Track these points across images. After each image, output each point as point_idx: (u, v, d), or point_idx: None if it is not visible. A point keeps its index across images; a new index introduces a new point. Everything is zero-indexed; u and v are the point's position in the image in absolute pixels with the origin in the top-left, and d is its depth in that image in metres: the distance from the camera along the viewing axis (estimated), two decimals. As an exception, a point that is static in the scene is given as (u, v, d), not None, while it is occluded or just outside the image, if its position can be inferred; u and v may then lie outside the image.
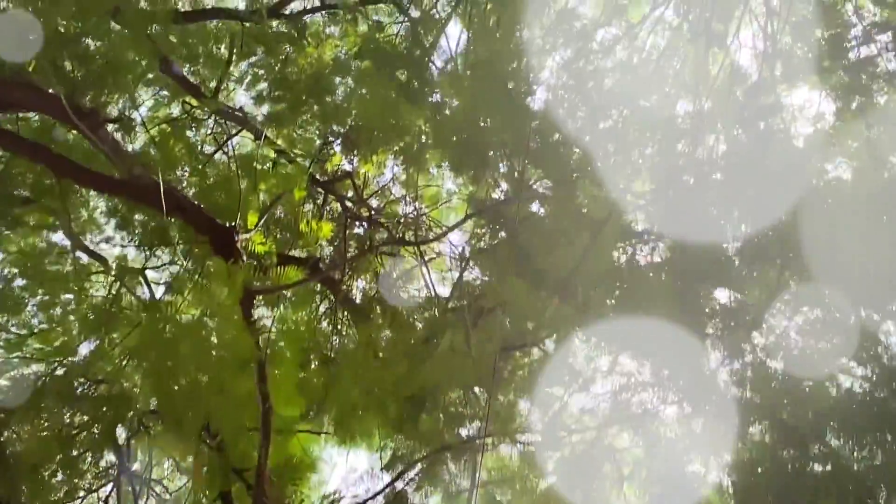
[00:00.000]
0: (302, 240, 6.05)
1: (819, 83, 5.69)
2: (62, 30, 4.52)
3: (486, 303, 5.41)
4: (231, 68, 7.51)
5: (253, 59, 7.59)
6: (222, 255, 5.01)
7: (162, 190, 4.36)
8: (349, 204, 8.62)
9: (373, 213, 8.50)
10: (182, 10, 7.31)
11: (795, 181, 5.56)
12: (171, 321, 4.64)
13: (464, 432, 6.02)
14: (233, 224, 5.23)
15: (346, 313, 6.59)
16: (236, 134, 8.28)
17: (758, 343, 4.92)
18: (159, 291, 8.96)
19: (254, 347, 4.88)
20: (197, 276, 5.64)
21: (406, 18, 7.75)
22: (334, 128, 7.04)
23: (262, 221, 5.57)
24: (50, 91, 4.33)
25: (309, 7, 7.89)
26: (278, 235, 6.46)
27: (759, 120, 5.71)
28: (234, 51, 7.34)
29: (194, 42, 7.18)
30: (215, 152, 8.75)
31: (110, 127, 5.96)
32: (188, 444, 4.75)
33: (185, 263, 5.84)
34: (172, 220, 5.30)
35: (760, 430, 4.33)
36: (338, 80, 7.19)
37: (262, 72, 7.52)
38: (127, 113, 7.15)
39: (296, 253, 6.71)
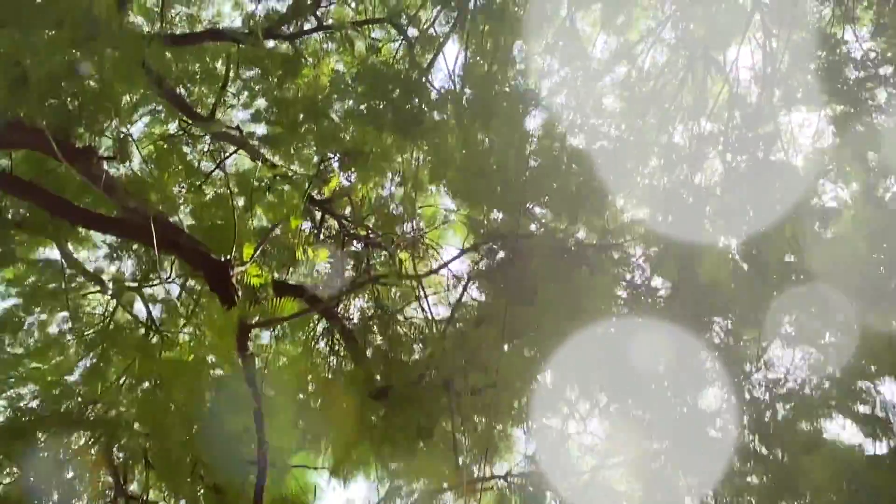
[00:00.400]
0: (298, 268, 6.00)
1: (817, 107, 5.64)
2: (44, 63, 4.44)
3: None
4: (228, 87, 7.46)
5: (248, 74, 7.53)
6: (217, 290, 4.96)
7: (154, 226, 4.30)
8: (347, 222, 8.59)
9: (370, 232, 8.46)
10: (177, 32, 7.25)
11: (794, 206, 5.53)
12: (163, 366, 4.59)
13: (461, 461, 5.97)
14: (228, 257, 5.18)
15: (342, 339, 6.55)
16: (233, 153, 8.24)
17: (757, 381, 4.88)
18: (156, 309, 8.97)
19: (249, 383, 4.83)
20: (192, 306, 5.59)
21: (403, 38, 7.70)
22: (331, 150, 6.97)
23: (258, 252, 5.51)
24: (40, 129, 4.27)
25: (305, 28, 7.82)
26: (274, 262, 6.40)
27: (757, 146, 5.67)
28: (230, 72, 7.29)
29: (189, 62, 7.13)
30: (212, 171, 8.71)
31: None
32: (181, 483, 4.70)
33: (179, 293, 5.79)
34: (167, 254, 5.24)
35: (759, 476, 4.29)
36: (335, 103, 7.12)
37: (258, 89, 7.46)
38: (121, 136, 7.13)
39: (294, 272, 6.66)
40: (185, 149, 8.99)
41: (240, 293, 5.04)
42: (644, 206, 6.46)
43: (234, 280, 5.01)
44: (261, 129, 9.23)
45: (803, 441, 4.18)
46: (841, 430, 4.44)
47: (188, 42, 7.19)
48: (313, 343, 6.37)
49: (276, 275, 6.15)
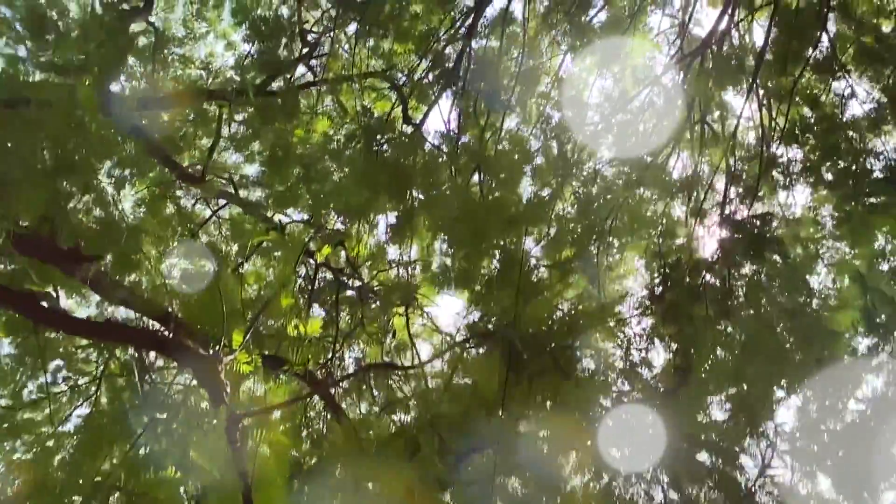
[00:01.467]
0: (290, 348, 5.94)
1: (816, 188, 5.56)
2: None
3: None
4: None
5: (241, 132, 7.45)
6: (206, 386, 4.90)
7: (139, 331, 4.22)
8: (341, 273, 8.54)
9: (364, 283, 8.41)
10: (167, 95, 7.15)
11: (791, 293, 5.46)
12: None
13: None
14: (217, 348, 5.11)
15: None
16: (225, 205, 8.17)
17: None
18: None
19: (241, 477, 4.78)
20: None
21: (397, 93, 7.60)
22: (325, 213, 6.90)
23: (248, 335, 5.44)
24: (21, 234, 4.20)
25: (299, 83, 7.71)
26: (265, 336, 6.33)
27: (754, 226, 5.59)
28: (221, 131, 7.20)
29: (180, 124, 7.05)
30: (207, 220, 8.64)
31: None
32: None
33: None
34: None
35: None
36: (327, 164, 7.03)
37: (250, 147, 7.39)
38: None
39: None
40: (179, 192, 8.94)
41: (228, 389, 4.97)
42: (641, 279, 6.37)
43: (222, 375, 4.93)
44: (254, 170, 9.23)
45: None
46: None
47: (178, 104, 7.07)
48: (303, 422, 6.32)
49: (265, 351, 6.07)
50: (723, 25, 7.23)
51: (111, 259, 6.22)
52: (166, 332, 5.22)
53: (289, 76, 7.55)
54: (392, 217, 7.75)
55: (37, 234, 4.38)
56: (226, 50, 9.89)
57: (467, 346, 5.98)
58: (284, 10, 9.11)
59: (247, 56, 8.30)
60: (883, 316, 4.60)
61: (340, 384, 6.36)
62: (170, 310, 5.53)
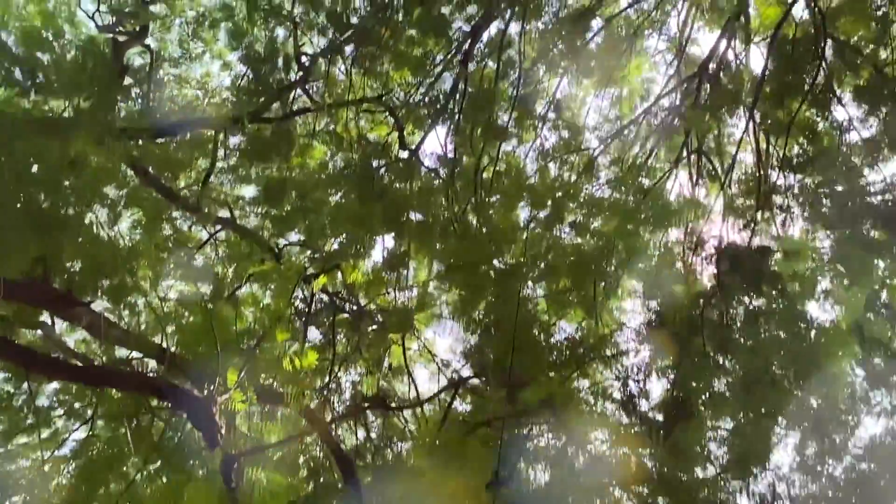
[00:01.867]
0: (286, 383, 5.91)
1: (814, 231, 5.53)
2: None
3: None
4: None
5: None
6: (200, 428, 4.86)
7: (132, 374, 4.19)
8: (337, 297, 8.50)
9: (361, 306, 8.37)
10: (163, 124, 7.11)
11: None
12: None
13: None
14: (212, 388, 5.07)
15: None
16: (220, 230, 8.12)
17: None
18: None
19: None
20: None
21: (394, 120, 7.56)
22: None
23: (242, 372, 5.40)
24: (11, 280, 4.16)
25: (294, 108, 7.67)
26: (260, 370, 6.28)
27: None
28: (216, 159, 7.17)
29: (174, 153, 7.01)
30: (204, 244, 8.59)
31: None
32: None
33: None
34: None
35: None
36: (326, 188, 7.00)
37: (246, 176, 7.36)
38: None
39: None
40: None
41: (223, 430, 4.93)
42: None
43: (217, 416, 4.90)
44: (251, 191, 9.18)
45: None
46: None
47: (173, 132, 7.04)
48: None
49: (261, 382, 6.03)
50: (721, 49, 7.23)
51: (106, 291, 6.20)
52: (160, 373, 5.18)
53: (284, 101, 7.51)
54: (389, 241, 7.77)
55: (28, 278, 4.35)
56: (222, 70, 9.86)
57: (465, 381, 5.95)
58: (280, 32, 9.11)
59: (242, 78, 8.29)
60: (881, 364, 4.58)
61: (337, 421, 6.32)
62: (165, 346, 5.50)
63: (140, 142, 6.43)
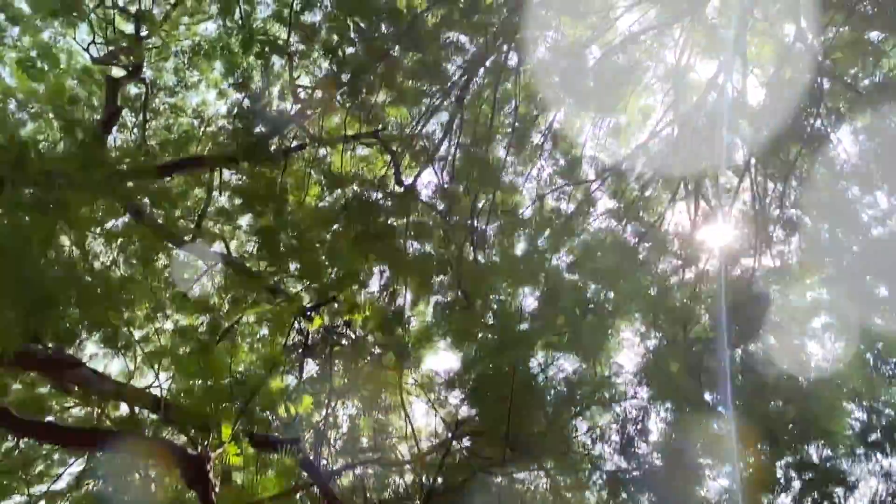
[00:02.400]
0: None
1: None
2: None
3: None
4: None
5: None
6: (193, 487, 4.83)
7: (125, 437, 4.15)
8: (333, 331, 8.46)
9: (358, 337, 8.32)
10: (158, 164, 7.08)
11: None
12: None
13: None
14: (206, 444, 5.04)
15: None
16: (214, 265, 8.07)
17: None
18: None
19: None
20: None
21: (390, 156, 7.52)
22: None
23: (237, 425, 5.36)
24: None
25: (289, 146, 7.63)
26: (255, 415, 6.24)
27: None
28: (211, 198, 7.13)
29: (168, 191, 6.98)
30: (200, 276, 8.55)
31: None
32: None
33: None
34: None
35: None
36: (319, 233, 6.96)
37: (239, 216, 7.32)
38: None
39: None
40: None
41: (217, 488, 4.90)
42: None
43: (211, 473, 4.86)
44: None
45: None
46: None
47: (168, 172, 7.00)
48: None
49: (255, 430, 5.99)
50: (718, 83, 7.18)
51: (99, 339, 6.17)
52: (154, 424, 5.14)
53: (280, 136, 7.47)
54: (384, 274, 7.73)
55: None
56: (218, 98, 9.82)
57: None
58: (276, 61, 9.07)
59: (236, 113, 8.26)
60: (878, 433, 4.54)
61: (335, 477, 6.28)
62: (159, 396, 5.47)
63: (133, 183, 6.39)
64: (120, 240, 6.76)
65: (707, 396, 5.75)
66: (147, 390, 5.65)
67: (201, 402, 5.60)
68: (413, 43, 6.21)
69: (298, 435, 6.12)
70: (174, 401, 5.64)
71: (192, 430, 5.16)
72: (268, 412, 5.79)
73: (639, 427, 6.30)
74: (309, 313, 7.76)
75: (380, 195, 7.31)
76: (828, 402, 4.81)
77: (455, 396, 7.32)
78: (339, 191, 7.21)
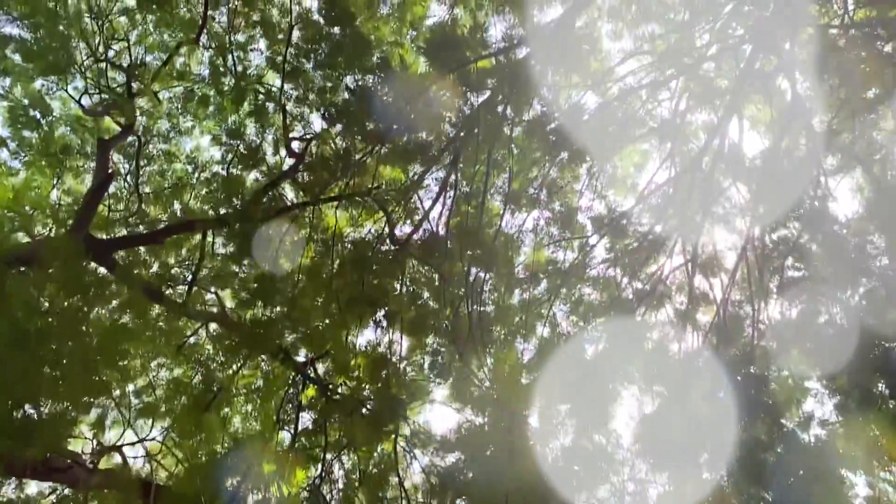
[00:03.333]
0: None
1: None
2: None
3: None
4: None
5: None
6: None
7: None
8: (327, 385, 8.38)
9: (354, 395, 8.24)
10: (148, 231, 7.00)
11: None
12: None
13: None
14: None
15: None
16: (207, 322, 8.00)
17: None
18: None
19: None
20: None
21: (385, 214, 7.44)
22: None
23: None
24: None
25: (281, 206, 7.53)
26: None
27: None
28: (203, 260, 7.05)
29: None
30: (189, 336, 8.46)
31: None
32: None
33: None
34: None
35: None
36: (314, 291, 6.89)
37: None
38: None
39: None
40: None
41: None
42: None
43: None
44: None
45: None
46: None
47: (161, 236, 6.93)
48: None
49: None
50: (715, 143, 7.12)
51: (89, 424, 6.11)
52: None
53: (273, 195, 7.39)
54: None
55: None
56: (211, 145, 9.73)
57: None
58: (270, 105, 9.00)
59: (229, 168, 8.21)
60: None
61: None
62: (148, 482, 5.40)
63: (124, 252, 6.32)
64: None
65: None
66: (135, 478, 5.57)
67: (191, 479, 5.55)
68: (406, 125, 6.15)
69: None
70: (164, 483, 5.59)
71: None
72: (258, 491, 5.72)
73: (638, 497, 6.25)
74: (301, 377, 7.71)
75: (371, 254, 7.24)
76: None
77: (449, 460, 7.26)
78: (331, 250, 7.13)
